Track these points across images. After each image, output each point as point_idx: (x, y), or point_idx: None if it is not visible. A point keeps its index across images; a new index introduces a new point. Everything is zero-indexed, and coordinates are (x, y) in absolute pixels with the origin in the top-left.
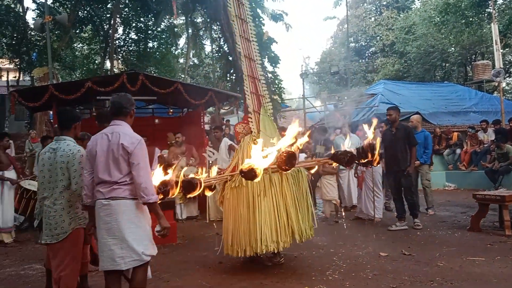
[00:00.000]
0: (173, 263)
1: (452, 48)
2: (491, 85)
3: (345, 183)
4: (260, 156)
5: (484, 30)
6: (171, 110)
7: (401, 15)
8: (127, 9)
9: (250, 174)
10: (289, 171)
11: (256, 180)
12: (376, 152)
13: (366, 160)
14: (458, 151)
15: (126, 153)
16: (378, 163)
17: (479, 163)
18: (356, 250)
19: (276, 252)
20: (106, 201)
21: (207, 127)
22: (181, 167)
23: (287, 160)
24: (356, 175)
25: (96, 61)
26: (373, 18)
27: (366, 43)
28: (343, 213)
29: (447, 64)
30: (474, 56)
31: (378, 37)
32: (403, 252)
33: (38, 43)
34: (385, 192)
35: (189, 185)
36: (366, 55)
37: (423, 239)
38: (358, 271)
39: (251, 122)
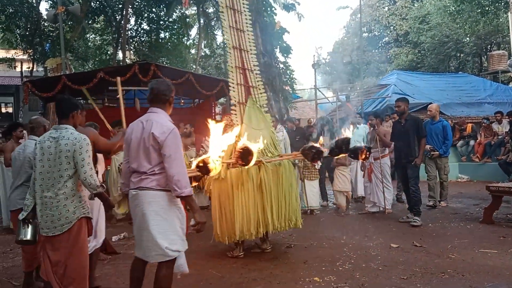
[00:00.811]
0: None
1: (467, 38)
2: (507, 75)
3: (352, 174)
4: (217, 150)
5: (501, 20)
6: (183, 101)
7: (415, 5)
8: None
9: (204, 169)
10: (267, 164)
11: (212, 173)
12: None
13: (339, 155)
14: (471, 142)
15: (157, 143)
16: (367, 158)
17: (493, 155)
18: (366, 241)
19: (264, 239)
20: (135, 191)
21: (218, 117)
22: (190, 157)
23: (242, 156)
24: (362, 168)
25: (109, 52)
26: (386, 8)
27: (379, 33)
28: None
29: (461, 55)
30: (489, 46)
31: (392, 27)
32: (414, 244)
33: (51, 34)
34: (396, 184)
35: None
36: (379, 45)
37: (434, 231)
38: (368, 262)
39: (235, 114)
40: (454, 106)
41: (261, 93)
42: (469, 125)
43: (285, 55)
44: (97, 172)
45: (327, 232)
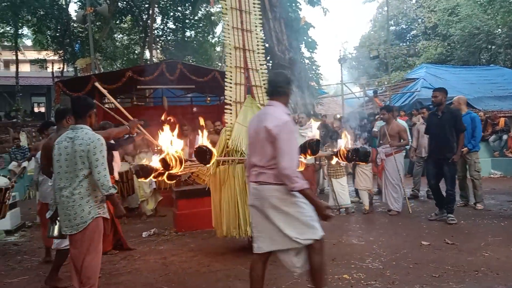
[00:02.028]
0: (213, 248)
1: (499, 30)
2: None
3: None
4: (172, 147)
5: None
6: (209, 98)
7: None
8: None
9: (165, 165)
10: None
11: (176, 170)
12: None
13: (306, 155)
14: (504, 137)
15: (271, 136)
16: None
17: None
18: (396, 238)
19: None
20: (255, 185)
21: None
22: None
23: (198, 156)
24: (376, 164)
25: (136, 51)
26: (414, 0)
27: (407, 26)
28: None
29: (493, 47)
30: None
31: (420, 20)
32: (446, 241)
33: (80, 34)
34: (413, 179)
35: None
36: (407, 38)
37: (467, 228)
38: (398, 260)
39: (229, 113)
40: (486, 100)
41: (266, 92)
42: (502, 119)
43: (311, 50)
44: (112, 170)
45: (355, 229)
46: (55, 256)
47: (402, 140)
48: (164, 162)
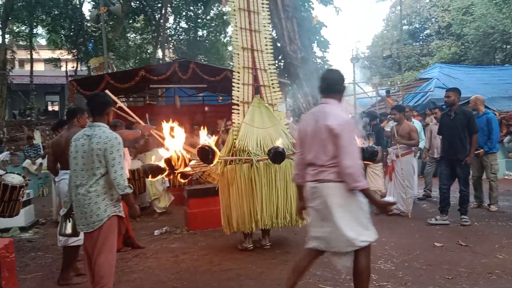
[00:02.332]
0: (225, 247)
1: None
2: None
3: None
4: (173, 148)
5: None
6: (221, 98)
7: None
8: None
9: (170, 165)
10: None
11: (180, 170)
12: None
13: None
14: None
15: (333, 134)
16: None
17: None
18: (408, 240)
19: (264, 235)
20: (313, 184)
21: None
22: None
23: (201, 156)
24: (384, 166)
25: (148, 51)
26: None
27: (420, 25)
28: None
29: (508, 46)
30: None
31: (433, 19)
32: (459, 243)
33: (93, 34)
34: (424, 180)
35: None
36: (421, 37)
37: (480, 230)
38: (411, 261)
39: (237, 113)
40: (500, 100)
41: (274, 92)
42: None
43: (323, 49)
44: None
45: None
46: (63, 254)
47: (412, 140)
48: (168, 162)
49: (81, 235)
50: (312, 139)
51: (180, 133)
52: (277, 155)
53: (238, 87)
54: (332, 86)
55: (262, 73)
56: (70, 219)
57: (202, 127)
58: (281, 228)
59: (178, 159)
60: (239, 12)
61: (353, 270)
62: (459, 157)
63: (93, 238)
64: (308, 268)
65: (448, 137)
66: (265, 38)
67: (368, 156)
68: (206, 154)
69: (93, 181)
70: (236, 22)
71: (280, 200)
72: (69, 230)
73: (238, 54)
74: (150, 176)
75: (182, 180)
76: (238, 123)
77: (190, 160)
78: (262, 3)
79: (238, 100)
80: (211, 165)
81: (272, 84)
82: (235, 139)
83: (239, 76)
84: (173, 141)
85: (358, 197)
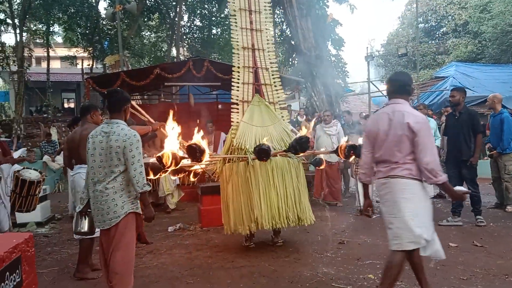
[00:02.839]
0: (238, 244)
1: None
2: None
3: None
4: (171, 145)
5: None
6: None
7: None
8: None
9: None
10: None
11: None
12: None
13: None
14: None
15: (412, 132)
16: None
17: None
18: None
19: (276, 233)
20: (385, 180)
21: None
22: None
23: (189, 154)
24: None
25: (163, 49)
26: None
27: (436, 23)
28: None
29: None
30: None
31: (450, 17)
32: (475, 244)
33: (109, 32)
34: None
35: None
36: (437, 35)
37: (496, 231)
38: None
39: (236, 112)
40: None
41: (276, 90)
42: None
43: (337, 47)
44: None
45: (381, 229)
46: (79, 247)
47: None
48: (159, 160)
49: (97, 229)
50: (385, 137)
51: (175, 131)
52: (261, 152)
53: (238, 86)
54: (402, 87)
55: (264, 71)
56: (86, 216)
57: (198, 127)
58: (293, 226)
59: (169, 157)
60: (240, 12)
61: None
62: (464, 157)
63: (109, 235)
64: (419, 261)
65: (452, 138)
66: (267, 37)
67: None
68: (193, 152)
69: (111, 178)
70: (236, 22)
71: (280, 199)
72: (85, 227)
73: (238, 53)
74: (151, 174)
75: (193, 179)
76: (237, 122)
77: (182, 159)
78: (265, 2)
79: (237, 99)
80: (200, 163)
81: (274, 82)
82: (233, 137)
83: (238, 76)
84: (170, 139)
85: (426, 196)
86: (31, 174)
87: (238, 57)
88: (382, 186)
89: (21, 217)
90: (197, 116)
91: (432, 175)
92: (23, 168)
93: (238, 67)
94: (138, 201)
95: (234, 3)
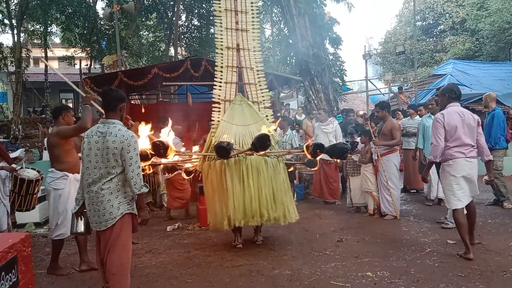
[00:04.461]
0: (237, 244)
1: None
2: None
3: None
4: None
5: None
6: None
7: None
8: None
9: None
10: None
11: (148, 163)
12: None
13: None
14: None
15: (478, 124)
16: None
17: None
18: (421, 237)
19: (256, 231)
20: (469, 159)
21: None
22: None
23: (154, 150)
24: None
25: (161, 48)
26: None
27: (434, 21)
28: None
29: None
30: None
31: (447, 14)
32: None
33: (107, 32)
34: None
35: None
36: (434, 33)
37: (494, 228)
38: (423, 258)
39: (217, 111)
40: None
41: (261, 90)
42: None
43: (335, 46)
44: None
45: (379, 227)
46: (51, 247)
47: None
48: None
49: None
50: (463, 128)
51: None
52: (218, 150)
53: (220, 86)
54: (455, 94)
55: (248, 71)
56: (82, 216)
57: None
58: (290, 224)
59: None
60: (225, 12)
61: (469, 210)
62: None
63: (105, 236)
64: (467, 221)
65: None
66: (253, 36)
67: (337, 153)
68: (157, 149)
69: (107, 179)
70: (221, 23)
71: (254, 198)
72: (81, 228)
73: (222, 53)
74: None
75: (186, 177)
76: (218, 121)
77: (152, 155)
78: (251, 3)
79: (219, 98)
80: (166, 159)
81: (259, 82)
82: (213, 136)
83: (221, 75)
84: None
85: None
86: (30, 173)
87: (222, 57)
88: (466, 163)
89: (19, 218)
90: (195, 115)
91: (488, 152)
92: (21, 168)
93: (221, 67)
94: (134, 202)
95: (219, 3)
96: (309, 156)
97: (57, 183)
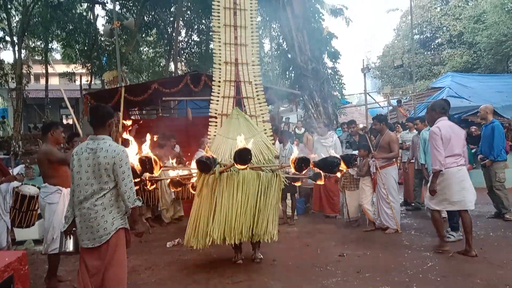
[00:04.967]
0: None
1: None
2: None
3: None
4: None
5: None
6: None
7: (469, 4)
8: (189, 12)
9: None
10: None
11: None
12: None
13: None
14: None
15: (465, 136)
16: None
17: None
18: (423, 251)
19: (254, 248)
20: (459, 167)
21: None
22: None
23: (141, 165)
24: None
25: (161, 64)
26: (438, 8)
27: (431, 34)
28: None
29: None
30: None
31: (445, 28)
32: (475, 254)
33: (107, 48)
34: None
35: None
36: (432, 46)
37: (496, 241)
38: (425, 272)
39: (214, 125)
40: None
41: (259, 103)
42: None
43: (333, 60)
44: None
45: (380, 241)
46: (49, 262)
47: (391, 153)
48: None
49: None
50: (454, 140)
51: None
52: (199, 164)
53: (217, 100)
54: (448, 110)
55: (246, 85)
56: (71, 235)
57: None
58: (291, 239)
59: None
60: (224, 28)
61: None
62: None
63: (100, 253)
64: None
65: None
66: (252, 51)
67: (328, 167)
68: (144, 164)
69: (100, 195)
70: (220, 38)
71: (238, 214)
72: (70, 247)
73: (219, 68)
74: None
75: (174, 189)
76: (214, 135)
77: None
78: (251, 18)
79: (216, 113)
80: (154, 174)
81: (258, 95)
82: (208, 150)
83: (219, 90)
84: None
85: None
86: (30, 189)
87: (220, 71)
88: (459, 171)
89: (18, 235)
90: (195, 129)
91: (467, 160)
92: (21, 184)
93: (219, 81)
94: (126, 217)
95: (219, 19)
96: (294, 170)
97: (51, 198)
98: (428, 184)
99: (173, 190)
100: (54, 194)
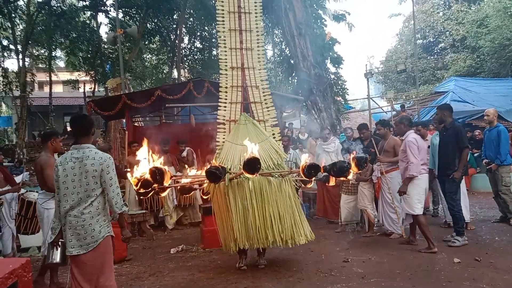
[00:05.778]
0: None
1: None
2: None
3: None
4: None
5: None
6: None
7: (472, 8)
8: (192, 19)
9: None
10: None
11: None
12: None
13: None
14: None
15: (428, 147)
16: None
17: None
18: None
19: (259, 254)
20: (426, 173)
21: None
22: None
23: (151, 177)
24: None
25: (164, 71)
26: (441, 13)
27: (434, 39)
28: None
29: None
30: None
31: (448, 32)
32: (480, 259)
33: (111, 55)
34: (432, 197)
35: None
36: (435, 51)
37: (502, 246)
38: (430, 277)
39: (222, 132)
40: None
41: (267, 108)
42: None
43: (336, 65)
44: None
45: (385, 246)
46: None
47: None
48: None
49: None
50: (422, 150)
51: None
52: (207, 175)
53: (225, 106)
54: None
55: (253, 90)
56: (58, 246)
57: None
58: (295, 245)
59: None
60: (229, 32)
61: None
62: (448, 172)
63: (89, 260)
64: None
65: (439, 154)
66: (258, 55)
67: (337, 172)
68: (154, 175)
69: (87, 203)
70: (225, 43)
71: (259, 219)
72: (57, 258)
73: (226, 74)
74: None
75: (204, 197)
76: (223, 142)
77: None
78: (256, 21)
79: (224, 119)
80: (162, 185)
81: (265, 100)
82: (217, 157)
83: (226, 96)
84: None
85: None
86: (35, 196)
87: (226, 77)
88: (426, 176)
89: (23, 242)
90: (198, 135)
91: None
92: (26, 191)
93: (226, 87)
94: (111, 224)
95: (223, 24)
96: (304, 177)
97: (48, 203)
98: (399, 187)
99: (175, 197)
100: (51, 200)
